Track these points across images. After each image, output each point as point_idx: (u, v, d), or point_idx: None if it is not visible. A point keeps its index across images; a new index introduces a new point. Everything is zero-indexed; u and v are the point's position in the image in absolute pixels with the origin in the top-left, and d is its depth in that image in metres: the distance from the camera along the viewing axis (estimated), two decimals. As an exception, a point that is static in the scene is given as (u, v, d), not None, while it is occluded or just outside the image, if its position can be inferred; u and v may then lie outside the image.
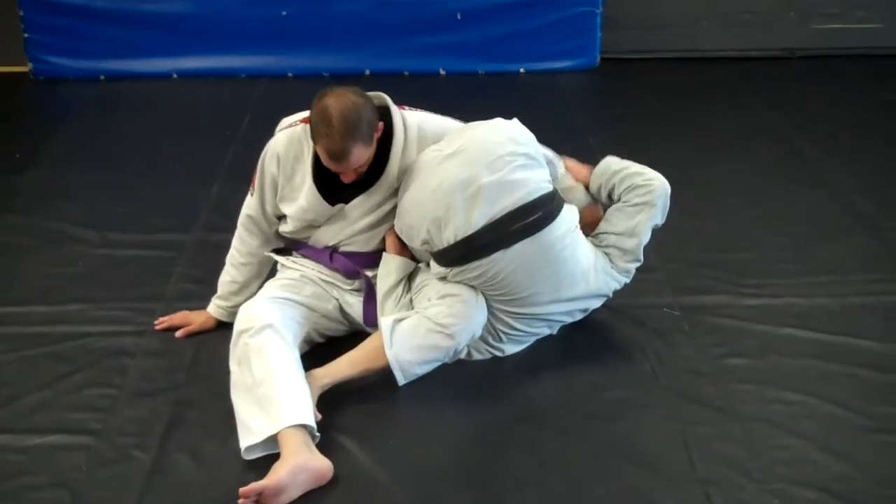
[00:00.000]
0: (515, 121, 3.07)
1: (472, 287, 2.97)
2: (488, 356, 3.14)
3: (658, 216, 3.17)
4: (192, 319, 3.28)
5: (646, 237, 3.17)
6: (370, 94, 2.94)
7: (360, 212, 3.06)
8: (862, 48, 6.45)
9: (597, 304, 3.21)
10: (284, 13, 6.06)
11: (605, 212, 3.24)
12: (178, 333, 3.25)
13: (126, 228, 4.02)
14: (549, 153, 3.17)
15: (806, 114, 5.43)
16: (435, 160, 2.93)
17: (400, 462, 2.70)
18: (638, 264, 3.21)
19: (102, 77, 6.08)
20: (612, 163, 3.23)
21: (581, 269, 3.04)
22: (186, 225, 4.04)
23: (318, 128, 2.75)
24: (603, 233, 3.17)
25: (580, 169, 3.30)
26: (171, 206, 4.26)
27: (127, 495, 2.56)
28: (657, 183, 3.15)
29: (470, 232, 2.87)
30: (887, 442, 2.76)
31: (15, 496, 2.56)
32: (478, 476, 2.65)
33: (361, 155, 2.80)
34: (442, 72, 6.10)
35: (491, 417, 2.91)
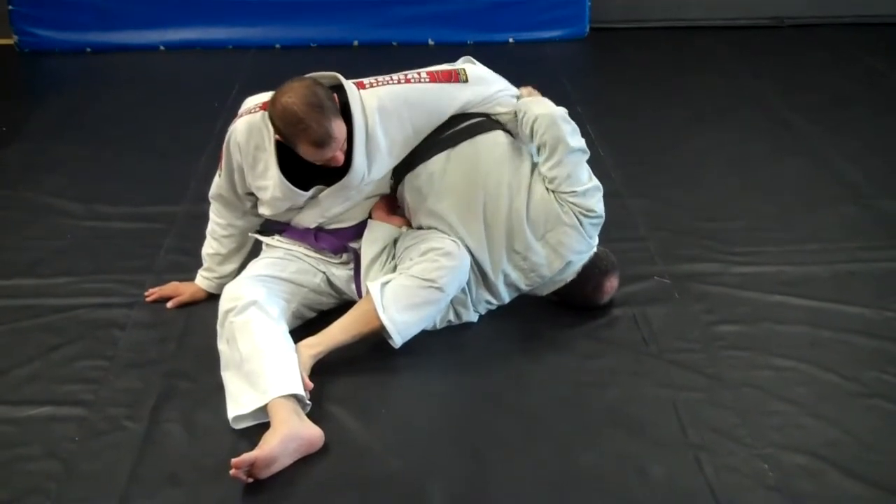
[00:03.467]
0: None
1: (453, 239, 3.00)
2: (475, 317, 3.15)
3: (568, 141, 3.06)
4: (183, 290, 3.27)
5: (574, 167, 3.07)
6: (322, 74, 2.94)
7: (333, 199, 3.04)
8: (850, 16, 6.47)
9: (560, 239, 3.09)
10: (271, -16, 6.04)
11: None
12: (169, 304, 3.24)
13: (114, 201, 4.01)
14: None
15: (793, 83, 5.44)
16: None
17: (392, 431, 2.70)
18: (597, 193, 3.13)
19: (88, 49, 6.05)
20: (518, 108, 3.16)
21: (524, 179, 3.06)
22: (175, 197, 4.02)
23: (291, 128, 2.74)
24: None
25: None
26: (159, 178, 4.25)
27: (119, 466, 2.56)
28: (541, 120, 3.06)
29: (415, 144, 3.07)
30: (877, 407, 2.77)
31: (8, 467, 2.56)
32: (469, 444, 2.66)
33: (340, 129, 2.79)
34: (430, 42, 6.09)
35: (482, 386, 2.91)
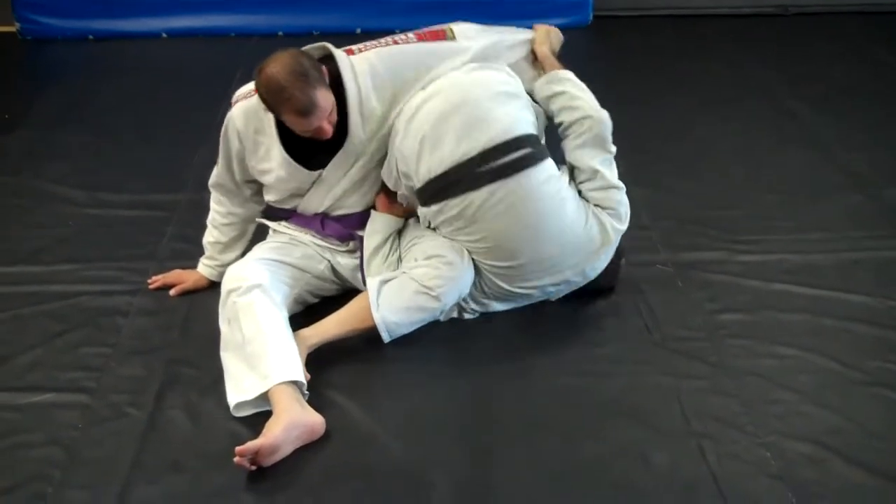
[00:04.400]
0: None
1: (460, 248, 2.97)
2: (478, 315, 3.13)
3: (604, 148, 3.04)
4: (186, 278, 3.27)
5: (607, 169, 3.04)
6: (312, 46, 2.93)
7: (337, 175, 3.03)
8: (854, 5, 6.43)
9: (593, 264, 3.09)
10: (274, -29, 6.03)
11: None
12: (172, 292, 3.24)
13: (116, 188, 4.00)
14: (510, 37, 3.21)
15: (798, 72, 5.41)
16: (415, 104, 2.93)
17: (394, 419, 2.70)
18: (617, 191, 3.08)
19: (91, 36, 6.03)
20: (552, 81, 3.10)
21: (567, 222, 2.97)
22: (177, 184, 4.02)
23: (275, 97, 2.73)
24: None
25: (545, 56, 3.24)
26: (161, 165, 4.24)
27: (122, 453, 2.56)
28: (588, 122, 3.02)
29: (443, 168, 2.87)
30: (880, 395, 2.77)
31: (10, 454, 2.56)
32: (472, 432, 2.66)
33: (326, 99, 2.76)
34: (433, 30, 6.06)
35: (485, 375, 2.91)
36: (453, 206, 2.91)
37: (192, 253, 3.38)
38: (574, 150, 3.05)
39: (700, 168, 4.24)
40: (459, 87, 2.94)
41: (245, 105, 2.96)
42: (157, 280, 3.29)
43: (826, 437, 2.60)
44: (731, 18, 6.37)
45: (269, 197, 3.11)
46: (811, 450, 2.56)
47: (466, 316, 3.12)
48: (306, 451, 2.57)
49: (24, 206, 3.89)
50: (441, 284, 2.93)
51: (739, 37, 6.06)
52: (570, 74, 3.14)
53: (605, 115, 3.05)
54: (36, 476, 2.49)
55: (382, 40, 3.04)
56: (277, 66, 2.72)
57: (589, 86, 3.14)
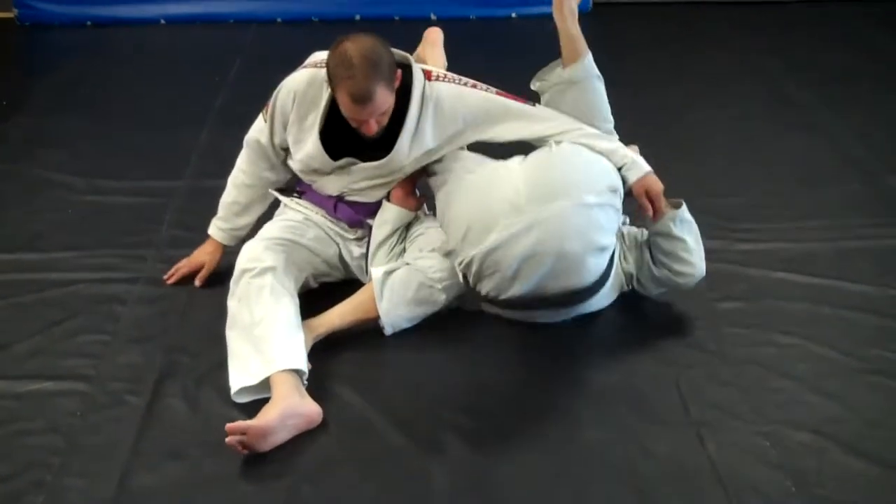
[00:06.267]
0: (600, 176, 2.95)
1: None
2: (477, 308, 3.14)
3: (681, 289, 3.09)
4: (199, 261, 3.22)
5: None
6: (398, 52, 2.90)
7: (363, 175, 3.02)
8: (854, -10, 6.42)
9: None
10: (273, -43, 6.01)
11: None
12: (197, 281, 3.20)
13: (115, 175, 3.99)
14: (612, 145, 3.12)
15: (797, 58, 5.40)
16: (504, 215, 2.82)
17: (393, 406, 2.70)
18: None
19: (89, 23, 6.01)
20: (679, 220, 3.03)
21: (596, 298, 3.01)
22: (176, 171, 4.01)
23: (339, 71, 2.69)
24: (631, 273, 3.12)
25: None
26: (160, 152, 4.22)
27: (121, 440, 2.56)
28: (693, 281, 3.03)
29: (503, 296, 2.90)
30: (879, 383, 2.78)
31: (10, 441, 2.56)
32: (471, 421, 2.66)
33: (385, 98, 2.73)
34: (433, 17, 6.02)
35: (483, 362, 2.91)
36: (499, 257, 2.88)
37: (191, 240, 3.36)
38: (656, 282, 3.07)
39: (699, 155, 4.23)
40: (559, 234, 2.79)
41: (314, 73, 2.93)
42: (173, 275, 3.24)
43: (825, 426, 2.60)
44: (731, 5, 6.36)
45: (293, 164, 3.09)
46: (810, 438, 2.56)
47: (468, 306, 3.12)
48: (304, 438, 2.57)
49: (22, 194, 3.88)
50: (445, 278, 2.93)
51: (739, 24, 6.05)
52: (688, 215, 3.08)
53: (703, 271, 3.05)
54: (35, 463, 2.49)
55: (462, 79, 3.00)
56: (357, 44, 2.69)
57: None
